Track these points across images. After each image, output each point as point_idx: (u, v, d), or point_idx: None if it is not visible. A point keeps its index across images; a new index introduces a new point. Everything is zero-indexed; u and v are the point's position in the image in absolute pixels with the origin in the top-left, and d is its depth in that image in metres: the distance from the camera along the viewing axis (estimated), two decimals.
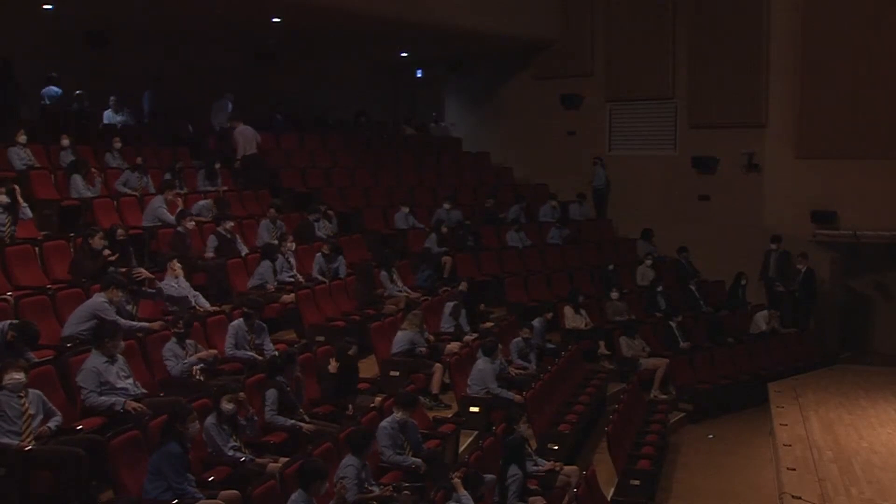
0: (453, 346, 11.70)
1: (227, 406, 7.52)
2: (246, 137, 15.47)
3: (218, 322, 9.87)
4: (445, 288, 13.91)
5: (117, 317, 8.51)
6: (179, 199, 12.69)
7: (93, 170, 12.62)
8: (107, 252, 9.94)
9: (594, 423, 12.14)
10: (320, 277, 12.58)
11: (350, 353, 9.71)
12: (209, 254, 11.91)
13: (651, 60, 18.84)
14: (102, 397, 7.42)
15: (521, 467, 8.41)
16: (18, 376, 6.66)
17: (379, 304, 12.53)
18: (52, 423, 6.83)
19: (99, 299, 8.58)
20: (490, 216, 17.35)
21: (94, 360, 7.55)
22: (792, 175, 17.35)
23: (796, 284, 16.40)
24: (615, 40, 19.31)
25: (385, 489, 7.58)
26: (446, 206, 16.53)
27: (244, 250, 12.41)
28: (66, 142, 12.98)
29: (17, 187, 10.31)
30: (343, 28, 17.16)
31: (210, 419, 7.48)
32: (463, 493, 7.49)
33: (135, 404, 7.41)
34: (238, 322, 9.65)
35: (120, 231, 10.57)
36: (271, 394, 8.44)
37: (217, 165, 14.47)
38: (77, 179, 12.24)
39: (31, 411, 6.69)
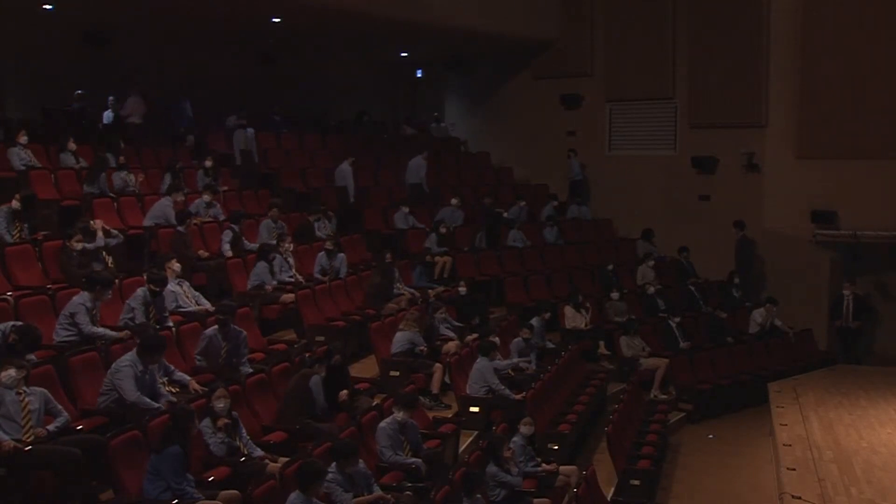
0: (453, 346, 11.71)
1: (218, 404, 7.51)
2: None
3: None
4: (444, 289, 13.94)
5: (87, 320, 8.36)
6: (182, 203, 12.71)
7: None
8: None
9: (594, 423, 12.14)
10: (320, 277, 12.60)
11: (332, 362, 9.37)
12: (225, 247, 12.12)
13: (651, 60, 18.84)
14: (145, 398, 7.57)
15: (498, 465, 8.44)
16: (12, 372, 6.66)
17: (395, 300, 12.69)
18: (55, 424, 6.84)
19: (77, 300, 8.47)
20: (489, 213, 17.36)
21: (131, 358, 7.69)
22: (792, 175, 17.35)
23: (847, 314, 16.03)
24: (615, 40, 19.31)
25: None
26: (454, 201, 16.59)
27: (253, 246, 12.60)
28: (73, 146, 13.03)
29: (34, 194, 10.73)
30: (343, 28, 17.17)
31: (205, 421, 7.48)
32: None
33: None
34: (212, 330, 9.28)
35: (115, 231, 10.68)
36: (317, 380, 8.68)
37: (195, 162, 14.37)
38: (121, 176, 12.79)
39: (30, 407, 6.69)
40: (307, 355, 9.35)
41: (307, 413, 8.58)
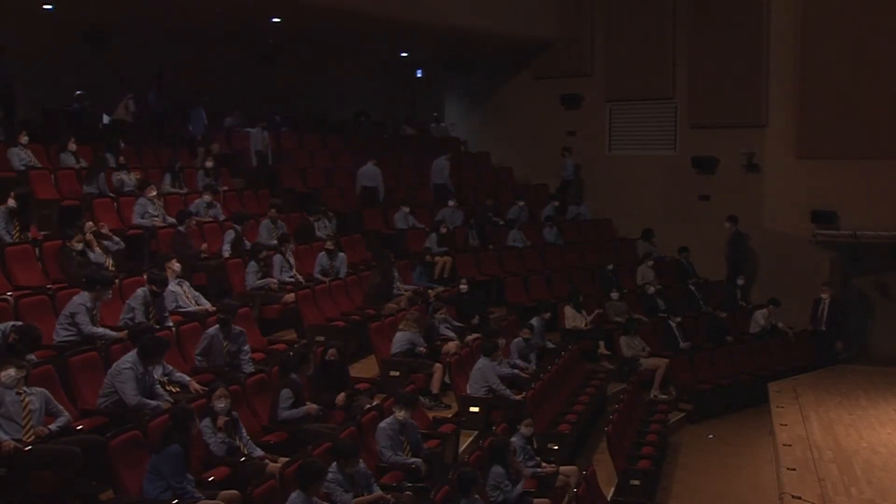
0: (453, 346, 11.71)
1: (218, 404, 7.51)
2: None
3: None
4: (444, 289, 13.93)
5: (87, 320, 8.36)
6: (156, 195, 12.57)
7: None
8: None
9: (594, 423, 12.15)
10: (321, 277, 12.60)
11: (328, 357, 9.44)
12: (224, 247, 12.13)
13: (651, 60, 18.84)
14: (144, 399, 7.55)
15: (503, 467, 8.43)
16: (12, 372, 6.65)
17: (395, 300, 12.69)
18: (56, 424, 6.83)
19: (77, 300, 8.45)
20: (480, 211, 17.35)
21: (132, 359, 7.64)
22: (792, 175, 17.35)
23: (821, 318, 15.96)
24: (615, 40, 19.31)
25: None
26: (451, 203, 16.57)
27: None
28: (73, 146, 13.01)
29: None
30: (343, 28, 17.17)
31: (205, 421, 7.49)
32: None
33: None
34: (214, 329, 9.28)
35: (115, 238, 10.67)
36: (286, 393, 8.47)
37: (177, 165, 14.28)
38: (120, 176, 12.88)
39: (31, 407, 6.69)
40: (290, 356, 9.26)
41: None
